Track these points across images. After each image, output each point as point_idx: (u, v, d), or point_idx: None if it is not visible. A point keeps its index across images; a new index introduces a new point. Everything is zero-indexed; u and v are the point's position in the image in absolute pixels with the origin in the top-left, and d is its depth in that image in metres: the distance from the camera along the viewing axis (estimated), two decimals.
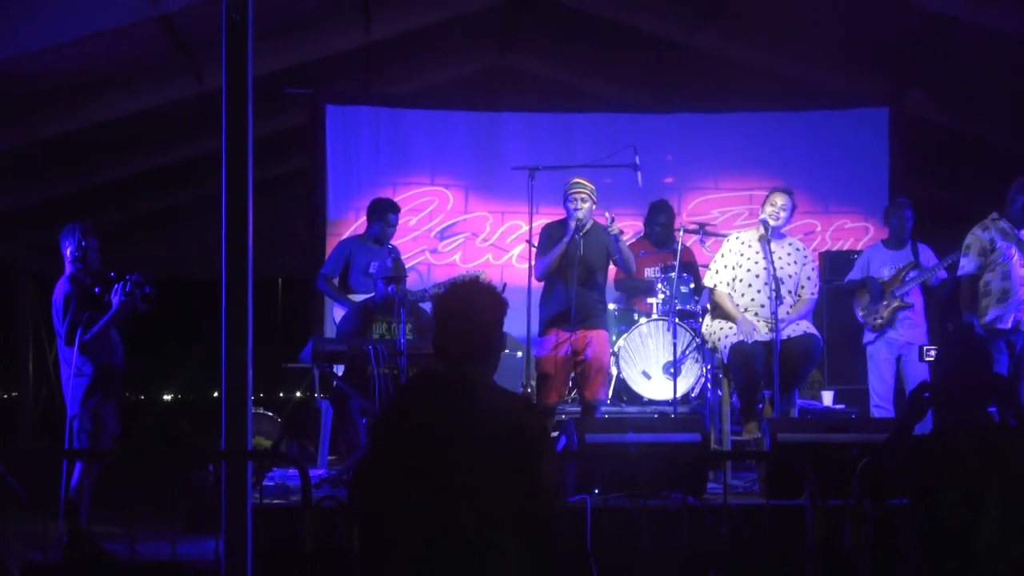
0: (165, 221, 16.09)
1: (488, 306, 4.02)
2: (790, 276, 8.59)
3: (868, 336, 9.48)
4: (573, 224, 8.45)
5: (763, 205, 8.71)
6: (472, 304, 4.00)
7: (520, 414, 3.91)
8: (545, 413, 8.52)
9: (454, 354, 3.98)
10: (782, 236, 8.71)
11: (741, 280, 8.62)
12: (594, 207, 8.59)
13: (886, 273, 9.42)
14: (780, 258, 8.57)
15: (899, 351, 9.34)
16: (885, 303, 9.30)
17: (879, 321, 9.32)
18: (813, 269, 8.80)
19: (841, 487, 6.04)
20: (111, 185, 13.27)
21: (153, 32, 9.24)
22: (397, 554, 3.82)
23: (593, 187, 8.58)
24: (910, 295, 9.35)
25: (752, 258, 8.62)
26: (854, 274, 9.69)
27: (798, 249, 8.78)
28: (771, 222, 8.57)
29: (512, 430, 3.85)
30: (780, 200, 8.62)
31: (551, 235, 8.65)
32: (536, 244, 8.83)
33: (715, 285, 8.73)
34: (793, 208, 8.75)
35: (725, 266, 8.70)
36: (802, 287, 8.64)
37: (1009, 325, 8.71)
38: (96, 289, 7.70)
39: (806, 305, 8.67)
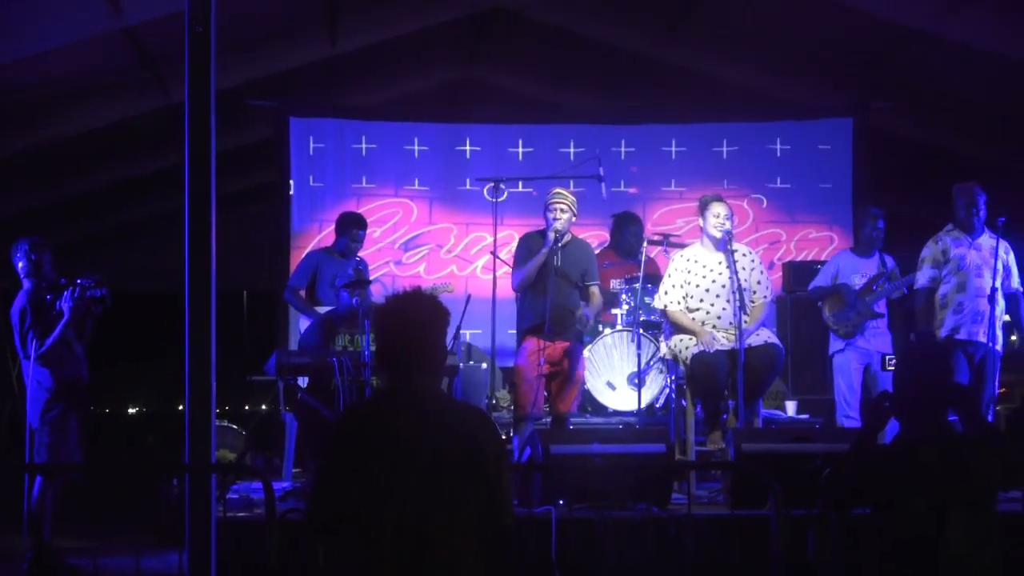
0: (132, 234, 16.03)
1: (425, 315, 3.98)
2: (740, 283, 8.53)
3: (836, 344, 9.46)
4: (552, 235, 8.42)
5: (702, 216, 8.59)
6: (410, 314, 3.97)
7: (478, 428, 3.91)
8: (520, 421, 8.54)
9: (397, 366, 3.96)
10: (725, 244, 8.65)
11: (692, 296, 8.52)
12: (574, 219, 8.58)
13: (856, 281, 9.39)
14: (728, 267, 8.48)
15: (867, 360, 9.34)
16: (857, 312, 9.32)
17: (849, 329, 9.34)
18: (762, 272, 8.71)
19: (805, 497, 6.05)
20: (77, 198, 13.22)
21: (118, 45, 9.23)
22: (360, 570, 3.80)
23: (574, 199, 8.57)
24: (879, 305, 9.36)
25: (700, 272, 8.53)
26: (823, 280, 9.60)
27: (744, 255, 8.66)
28: (716, 233, 8.50)
29: (471, 444, 3.85)
30: (723, 210, 8.50)
31: (529, 245, 8.63)
32: (513, 253, 8.83)
33: (666, 306, 8.64)
34: (732, 213, 8.67)
35: (673, 285, 8.59)
36: (754, 292, 8.52)
37: (967, 336, 8.75)
38: (48, 297, 7.64)
39: (761, 311, 8.57)
